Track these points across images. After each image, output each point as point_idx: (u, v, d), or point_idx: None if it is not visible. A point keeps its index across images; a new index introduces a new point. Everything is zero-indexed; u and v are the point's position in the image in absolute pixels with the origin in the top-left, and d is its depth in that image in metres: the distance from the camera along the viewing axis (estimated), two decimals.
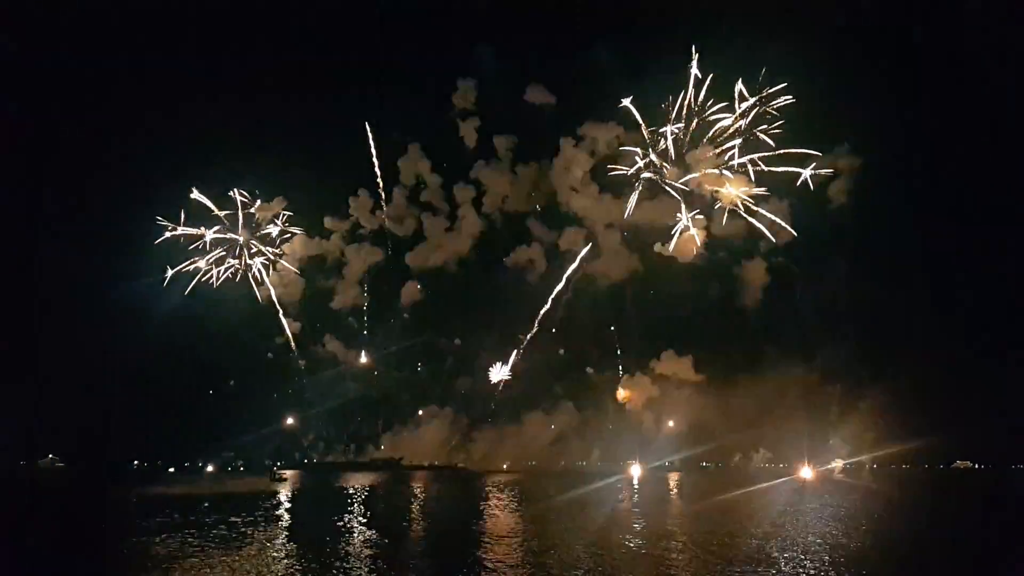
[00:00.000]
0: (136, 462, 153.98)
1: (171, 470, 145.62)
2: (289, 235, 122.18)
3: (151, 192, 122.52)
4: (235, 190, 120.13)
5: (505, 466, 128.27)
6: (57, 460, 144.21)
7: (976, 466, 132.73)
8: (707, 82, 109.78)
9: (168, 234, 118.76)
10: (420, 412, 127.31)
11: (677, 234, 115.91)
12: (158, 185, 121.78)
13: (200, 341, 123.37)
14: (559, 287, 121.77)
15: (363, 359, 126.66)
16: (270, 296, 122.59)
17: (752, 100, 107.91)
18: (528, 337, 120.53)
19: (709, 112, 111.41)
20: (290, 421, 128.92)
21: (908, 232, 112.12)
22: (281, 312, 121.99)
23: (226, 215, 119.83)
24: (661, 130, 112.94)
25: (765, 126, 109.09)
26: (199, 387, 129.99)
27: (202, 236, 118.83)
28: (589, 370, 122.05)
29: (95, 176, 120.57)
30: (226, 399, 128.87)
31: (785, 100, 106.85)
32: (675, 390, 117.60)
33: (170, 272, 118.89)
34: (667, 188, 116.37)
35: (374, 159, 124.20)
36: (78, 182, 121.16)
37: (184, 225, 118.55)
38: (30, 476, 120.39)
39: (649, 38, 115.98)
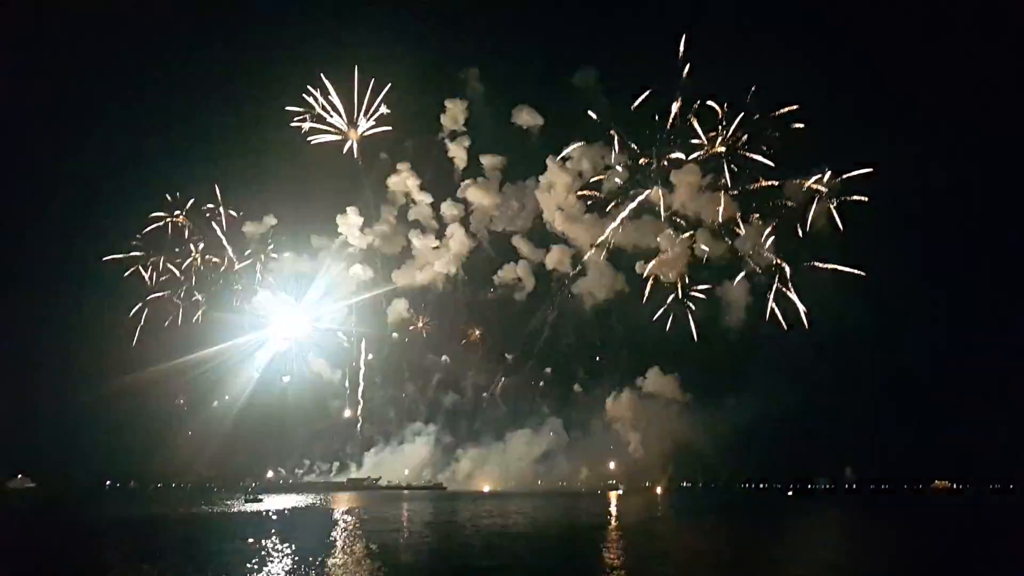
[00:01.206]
0: (108, 482, 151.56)
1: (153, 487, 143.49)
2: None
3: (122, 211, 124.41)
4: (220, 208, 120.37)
5: (486, 488, 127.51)
6: (27, 480, 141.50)
7: (955, 486, 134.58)
8: (694, 105, 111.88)
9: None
10: (405, 430, 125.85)
11: (660, 254, 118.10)
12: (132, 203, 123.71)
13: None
14: (546, 307, 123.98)
15: (347, 378, 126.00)
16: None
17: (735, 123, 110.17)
18: (514, 355, 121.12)
19: (693, 135, 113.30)
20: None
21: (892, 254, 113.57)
22: None
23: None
24: (645, 153, 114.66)
25: (748, 146, 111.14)
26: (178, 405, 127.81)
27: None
28: (576, 388, 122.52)
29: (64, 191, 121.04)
30: (204, 417, 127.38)
31: (788, 110, 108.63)
32: (661, 408, 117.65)
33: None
34: (653, 208, 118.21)
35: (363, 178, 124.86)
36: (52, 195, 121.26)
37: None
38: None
39: (635, 62, 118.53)
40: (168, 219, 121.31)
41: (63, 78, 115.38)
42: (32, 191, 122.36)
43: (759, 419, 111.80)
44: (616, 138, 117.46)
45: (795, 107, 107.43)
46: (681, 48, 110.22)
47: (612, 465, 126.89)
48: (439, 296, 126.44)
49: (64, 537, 53.61)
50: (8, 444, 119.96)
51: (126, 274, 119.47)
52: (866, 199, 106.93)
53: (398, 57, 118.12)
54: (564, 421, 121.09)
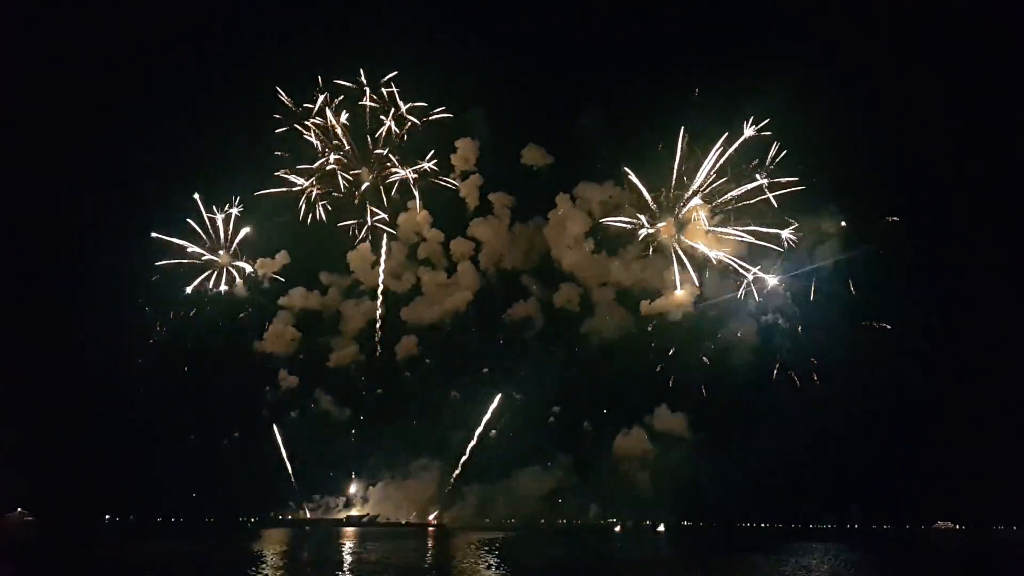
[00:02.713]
0: (108, 516, 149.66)
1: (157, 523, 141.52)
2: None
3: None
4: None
5: (486, 520, 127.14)
6: (26, 514, 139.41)
7: (957, 527, 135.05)
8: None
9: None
10: (411, 465, 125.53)
11: (669, 292, 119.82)
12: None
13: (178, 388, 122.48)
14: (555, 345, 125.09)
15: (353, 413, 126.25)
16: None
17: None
18: (523, 393, 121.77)
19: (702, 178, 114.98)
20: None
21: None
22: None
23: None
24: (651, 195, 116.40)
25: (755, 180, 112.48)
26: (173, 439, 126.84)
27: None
28: (585, 425, 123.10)
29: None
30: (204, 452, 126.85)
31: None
32: (669, 447, 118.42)
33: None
34: (662, 247, 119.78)
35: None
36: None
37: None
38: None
39: (642, 100, 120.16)
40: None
41: None
42: None
43: (766, 459, 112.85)
44: (627, 176, 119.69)
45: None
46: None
47: (618, 502, 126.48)
48: (449, 333, 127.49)
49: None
50: (6, 478, 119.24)
51: None
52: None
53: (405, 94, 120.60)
54: (573, 458, 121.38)
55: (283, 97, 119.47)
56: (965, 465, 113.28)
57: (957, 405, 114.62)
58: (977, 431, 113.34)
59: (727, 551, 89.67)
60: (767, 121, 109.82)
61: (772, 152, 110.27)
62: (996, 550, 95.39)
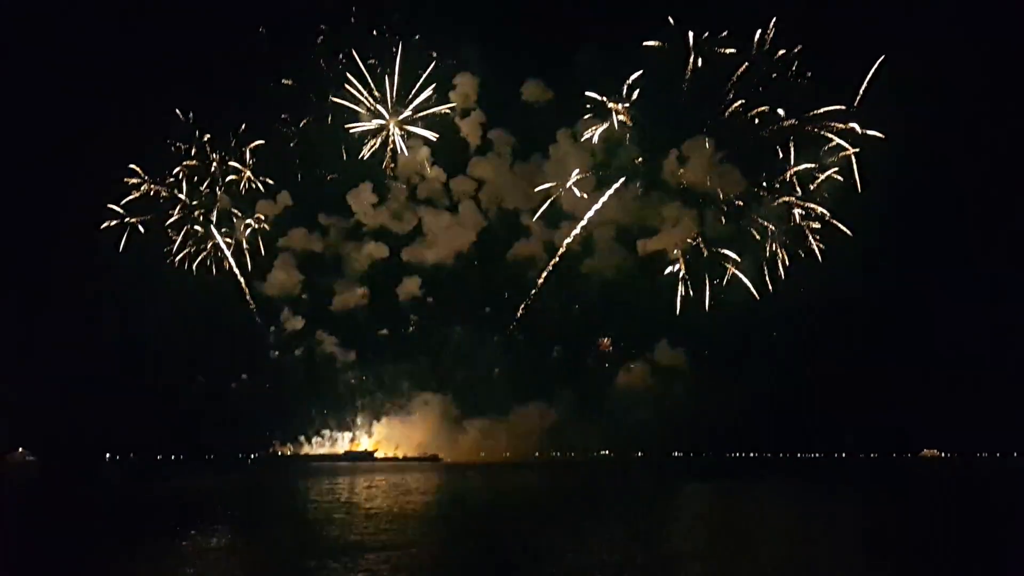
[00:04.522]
0: (108, 455, 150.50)
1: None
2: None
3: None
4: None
5: (482, 453, 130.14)
6: (27, 453, 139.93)
7: (943, 454, 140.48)
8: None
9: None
10: (414, 401, 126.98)
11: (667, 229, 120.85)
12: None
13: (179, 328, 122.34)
14: (544, 278, 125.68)
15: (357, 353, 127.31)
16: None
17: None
18: (526, 330, 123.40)
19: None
20: None
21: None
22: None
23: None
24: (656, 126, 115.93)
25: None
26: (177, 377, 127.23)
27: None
28: (587, 361, 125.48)
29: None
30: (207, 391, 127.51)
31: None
32: (670, 380, 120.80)
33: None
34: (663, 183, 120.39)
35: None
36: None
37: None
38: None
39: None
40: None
41: None
42: None
43: (760, 392, 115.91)
44: (625, 112, 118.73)
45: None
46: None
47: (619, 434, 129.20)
48: (451, 273, 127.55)
49: (95, 508, 53.63)
50: (6, 417, 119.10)
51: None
52: None
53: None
54: (575, 394, 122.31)
55: None
56: (951, 394, 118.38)
57: (946, 334, 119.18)
58: (964, 361, 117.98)
59: (686, 478, 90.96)
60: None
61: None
62: (953, 476, 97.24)
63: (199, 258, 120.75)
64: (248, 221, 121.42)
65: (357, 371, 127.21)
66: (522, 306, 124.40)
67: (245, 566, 29.27)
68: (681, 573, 26.99)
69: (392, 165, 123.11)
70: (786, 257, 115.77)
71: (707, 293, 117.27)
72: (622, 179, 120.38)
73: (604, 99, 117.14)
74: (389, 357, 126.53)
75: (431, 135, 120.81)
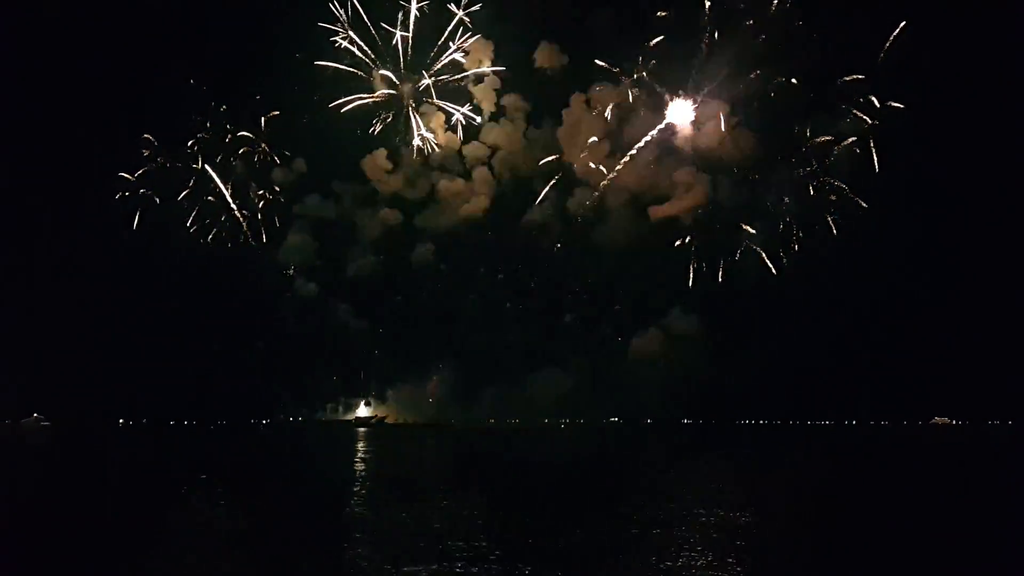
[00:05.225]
0: (121, 420, 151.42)
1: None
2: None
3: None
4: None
5: (491, 420, 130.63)
6: (42, 419, 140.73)
7: (954, 422, 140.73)
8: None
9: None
10: (427, 367, 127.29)
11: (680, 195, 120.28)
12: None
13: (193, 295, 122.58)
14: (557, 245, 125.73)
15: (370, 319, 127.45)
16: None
17: None
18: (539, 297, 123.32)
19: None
20: None
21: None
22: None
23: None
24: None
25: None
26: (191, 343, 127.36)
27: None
28: (600, 327, 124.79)
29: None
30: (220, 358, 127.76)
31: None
32: (683, 346, 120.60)
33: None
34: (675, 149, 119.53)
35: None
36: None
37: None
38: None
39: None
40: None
41: None
42: None
43: (772, 359, 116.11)
44: (637, 77, 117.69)
45: None
46: None
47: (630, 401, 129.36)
48: (465, 240, 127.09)
49: (120, 468, 54.02)
50: (21, 383, 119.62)
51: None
52: None
53: None
54: (588, 361, 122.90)
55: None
56: (962, 361, 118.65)
57: (956, 302, 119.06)
58: (974, 328, 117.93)
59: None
60: None
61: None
62: (953, 444, 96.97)
63: (214, 230, 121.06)
64: (262, 192, 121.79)
65: (370, 338, 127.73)
66: (535, 273, 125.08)
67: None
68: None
69: (407, 135, 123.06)
70: (800, 231, 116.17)
71: (720, 269, 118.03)
72: (636, 147, 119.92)
73: (617, 70, 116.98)
74: (402, 324, 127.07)
75: (453, 108, 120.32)
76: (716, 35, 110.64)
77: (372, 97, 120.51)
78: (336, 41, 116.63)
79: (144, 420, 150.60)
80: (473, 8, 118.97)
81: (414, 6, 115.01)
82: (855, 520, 29.18)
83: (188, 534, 26.23)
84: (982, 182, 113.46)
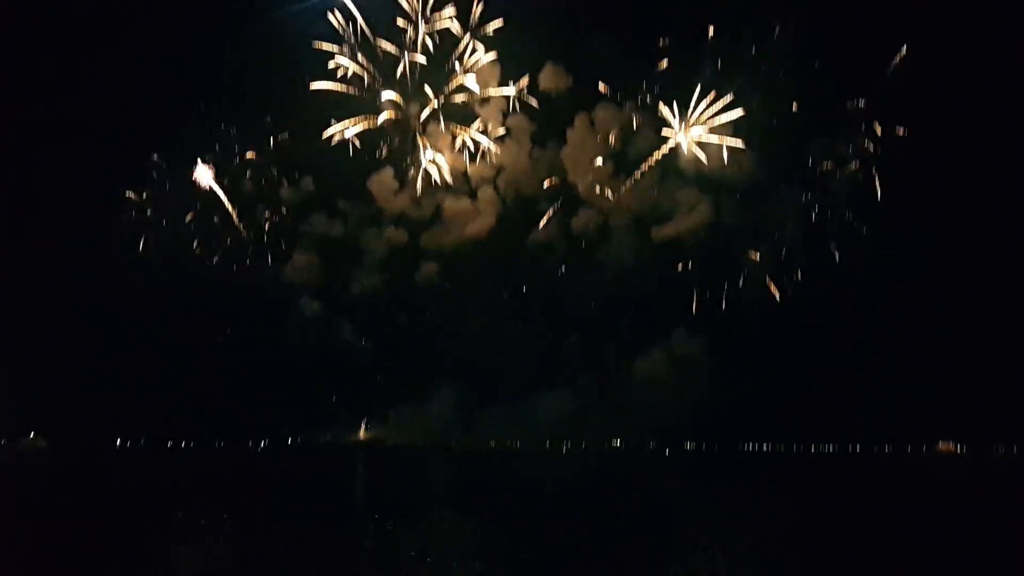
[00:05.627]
0: (118, 440, 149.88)
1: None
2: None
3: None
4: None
5: (492, 443, 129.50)
6: (40, 439, 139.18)
7: (958, 448, 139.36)
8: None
9: None
10: (429, 387, 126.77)
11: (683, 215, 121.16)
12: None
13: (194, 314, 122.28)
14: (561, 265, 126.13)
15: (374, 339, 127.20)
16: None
17: None
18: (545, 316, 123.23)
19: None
20: None
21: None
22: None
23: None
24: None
25: None
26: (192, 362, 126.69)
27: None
28: (605, 348, 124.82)
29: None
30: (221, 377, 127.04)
31: None
32: (686, 369, 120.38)
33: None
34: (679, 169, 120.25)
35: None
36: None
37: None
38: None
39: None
40: None
41: None
42: None
43: (775, 383, 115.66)
44: (641, 99, 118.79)
45: None
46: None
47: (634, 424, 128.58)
48: (469, 259, 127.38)
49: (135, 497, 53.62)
50: (19, 402, 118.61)
51: None
52: None
53: None
54: (590, 382, 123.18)
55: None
56: (966, 385, 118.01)
57: (960, 321, 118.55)
58: (978, 350, 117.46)
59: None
60: None
61: None
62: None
63: (219, 251, 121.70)
64: (269, 213, 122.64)
65: (373, 357, 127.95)
66: (539, 293, 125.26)
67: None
68: None
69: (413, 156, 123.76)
70: (802, 256, 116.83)
71: (723, 298, 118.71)
72: (640, 168, 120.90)
73: (620, 92, 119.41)
74: (406, 343, 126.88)
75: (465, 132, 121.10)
76: (719, 61, 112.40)
77: (362, 122, 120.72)
78: (339, 65, 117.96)
79: (141, 441, 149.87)
80: (480, 30, 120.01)
81: (422, 29, 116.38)
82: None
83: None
84: (985, 208, 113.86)
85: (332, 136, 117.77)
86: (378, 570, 23.08)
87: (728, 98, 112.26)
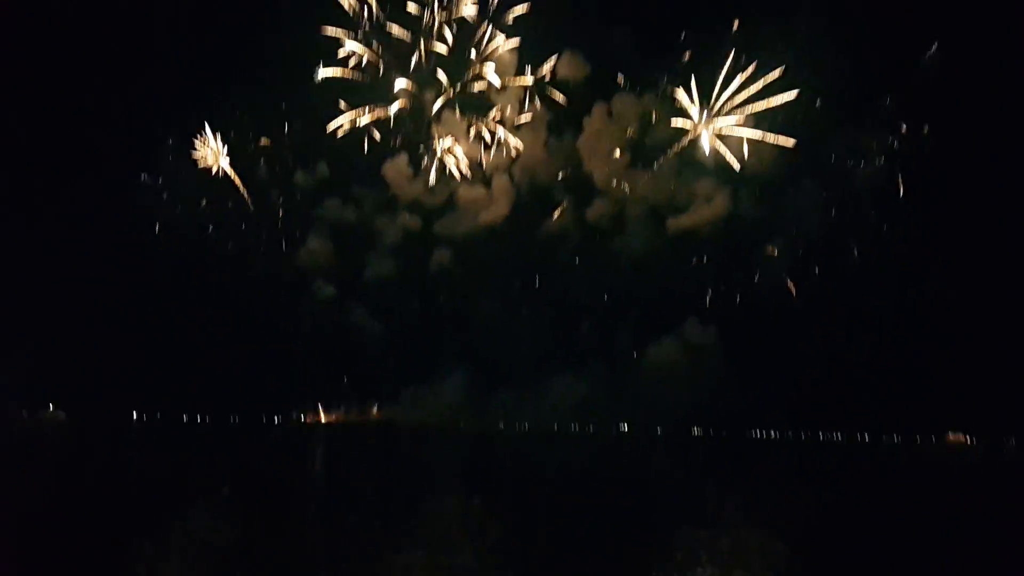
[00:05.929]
0: (135, 414, 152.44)
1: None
2: None
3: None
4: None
5: (501, 425, 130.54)
6: (59, 412, 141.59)
7: (969, 440, 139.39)
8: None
9: None
10: (440, 370, 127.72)
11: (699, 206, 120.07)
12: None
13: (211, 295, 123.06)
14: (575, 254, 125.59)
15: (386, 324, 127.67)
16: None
17: None
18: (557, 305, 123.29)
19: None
20: None
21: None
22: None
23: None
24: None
25: None
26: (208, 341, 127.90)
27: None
28: (616, 336, 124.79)
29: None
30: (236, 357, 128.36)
31: None
32: (698, 358, 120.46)
33: None
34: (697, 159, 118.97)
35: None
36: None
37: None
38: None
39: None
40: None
41: None
42: None
43: (786, 371, 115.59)
44: (661, 90, 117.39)
45: None
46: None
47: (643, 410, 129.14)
48: (482, 246, 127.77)
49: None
50: (38, 375, 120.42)
51: None
52: None
53: None
54: (602, 368, 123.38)
55: None
56: (977, 377, 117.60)
57: (972, 315, 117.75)
58: (990, 343, 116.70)
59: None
60: None
61: None
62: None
63: (233, 236, 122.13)
64: (282, 198, 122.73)
65: (385, 341, 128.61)
66: (552, 282, 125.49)
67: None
68: None
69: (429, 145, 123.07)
70: (821, 252, 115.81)
71: (738, 295, 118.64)
72: (658, 159, 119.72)
73: (638, 86, 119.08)
74: (418, 328, 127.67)
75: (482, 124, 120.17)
76: (743, 54, 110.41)
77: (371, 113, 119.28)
78: (351, 52, 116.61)
79: (157, 415, 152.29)
80: (499, 17, 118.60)
81: (439, 17, 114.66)
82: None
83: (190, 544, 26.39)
84: (1005, 209, 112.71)
85: (340, 126, 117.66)
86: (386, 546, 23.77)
87: (753, 89, 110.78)
